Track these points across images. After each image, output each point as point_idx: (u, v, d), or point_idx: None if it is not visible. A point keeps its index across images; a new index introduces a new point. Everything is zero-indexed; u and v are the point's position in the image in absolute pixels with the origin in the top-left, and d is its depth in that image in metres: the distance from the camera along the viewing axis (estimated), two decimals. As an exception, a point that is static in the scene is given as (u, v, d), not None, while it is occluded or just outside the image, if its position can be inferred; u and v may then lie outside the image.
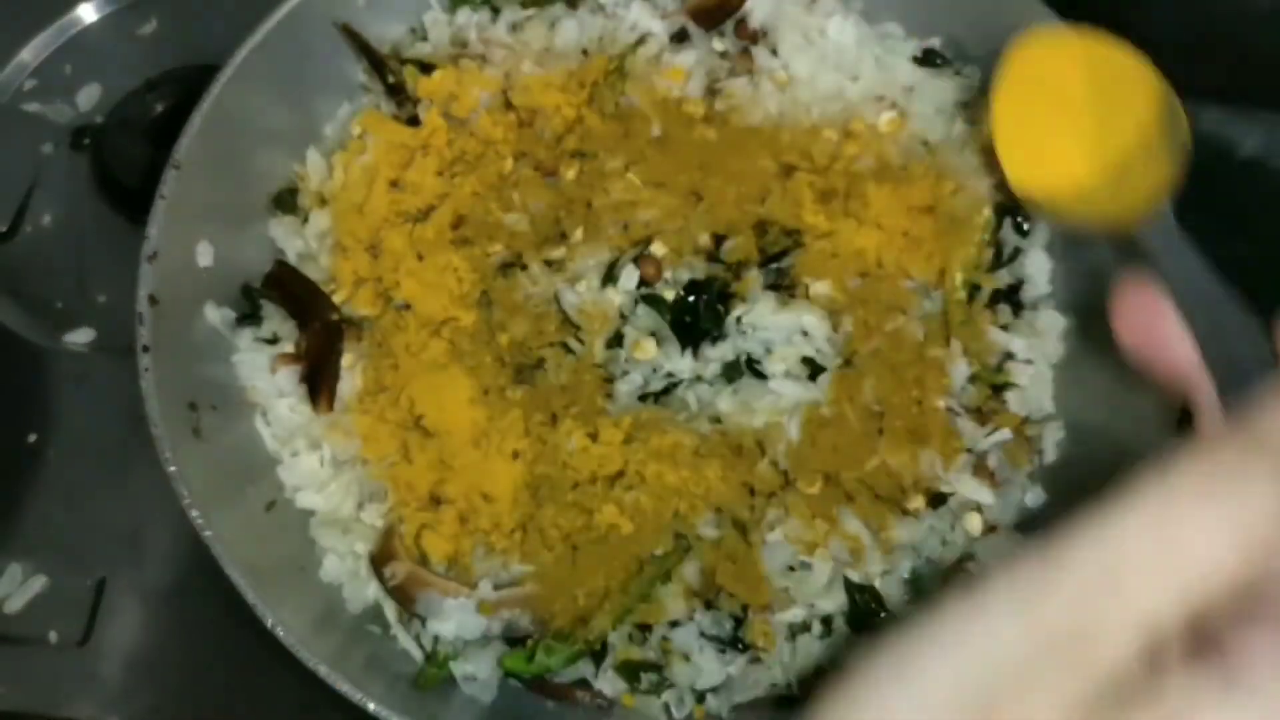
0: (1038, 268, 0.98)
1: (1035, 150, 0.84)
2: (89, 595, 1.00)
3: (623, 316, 0.91)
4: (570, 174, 0.96)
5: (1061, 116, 0.83)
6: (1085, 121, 0.83)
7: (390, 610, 0.88)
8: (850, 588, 0.86)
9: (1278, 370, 0.57)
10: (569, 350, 0.91)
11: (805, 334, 0.91)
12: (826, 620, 0.86)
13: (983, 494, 0.89)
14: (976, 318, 0.94)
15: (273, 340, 0.95)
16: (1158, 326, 0.62)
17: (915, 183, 0.97)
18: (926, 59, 1.06)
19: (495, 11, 1.05)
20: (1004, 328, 0.95)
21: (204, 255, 0.91)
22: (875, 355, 0.90)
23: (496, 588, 0.85)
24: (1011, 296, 0.97)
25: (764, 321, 0.91)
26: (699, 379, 0.91)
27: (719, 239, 0.94)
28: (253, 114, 0.95)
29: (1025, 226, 0.98)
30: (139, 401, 0.82)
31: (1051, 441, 0.93)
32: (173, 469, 0.81)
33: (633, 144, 0.97)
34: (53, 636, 0.99)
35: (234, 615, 0.80)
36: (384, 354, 0.91)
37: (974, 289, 0.95)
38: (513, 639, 0.86)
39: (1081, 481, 0.90)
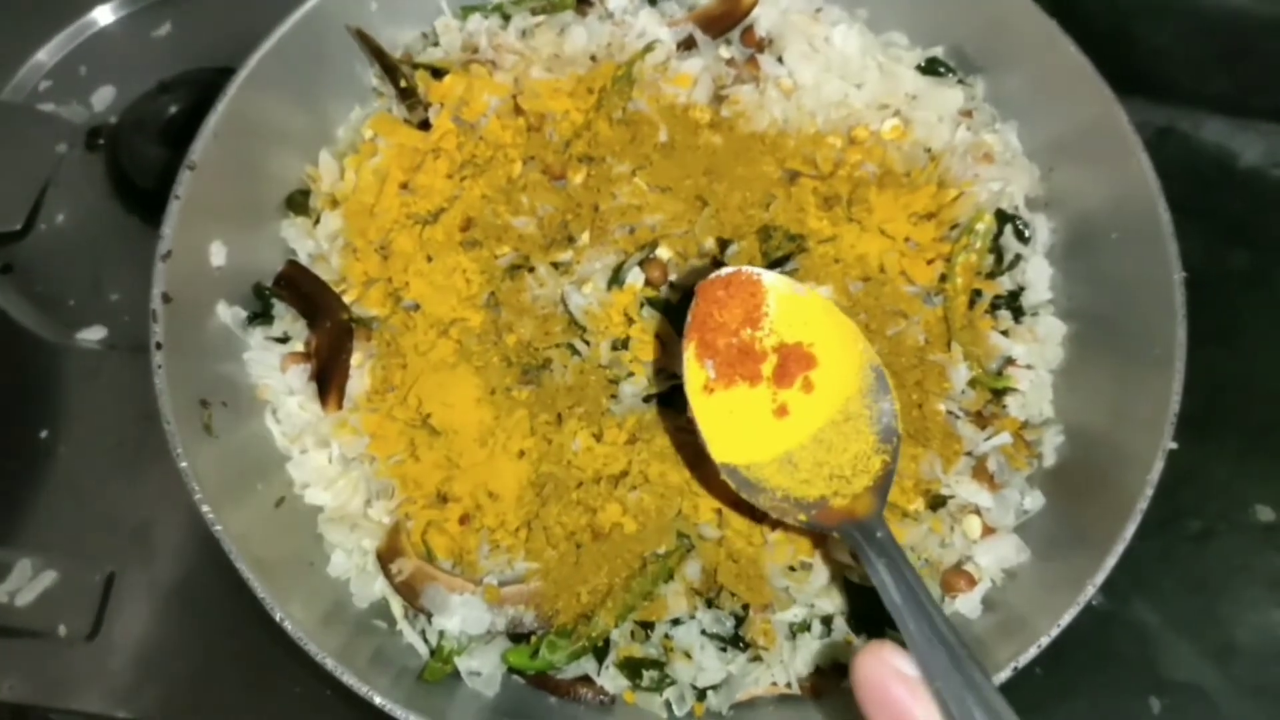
0: (1038, 274, 0.99)
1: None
2: (98, 589, 1.01)
3: (628, 319, 0.92)
4: (578, 178, 0.97)
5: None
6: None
7: (396, 605, 0.89)
8: (850, 588, 0.87)
9: None
10: (575, 351, 0.92)
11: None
12: (826, 620, 0.87)
13: (982, 497, 0.90)
14: (977, 323, 0.95)
15: (283, 339, 0.96)
16: (895, 692, 0.62)
17: (918, 189, 0.99)
18: (930, 68, 1.07)
19: (506, 18, 1.07)
20: (1004, 333, 0.96)
21: (217, 255, 0.93)
22: (877, 359, 0.92)
23: (501, 584, 0.86)
24: (1012, 302, 0.98)
25: (767, 325, 0.92)
26: (702, 381, 0.92)
27: (724, 243, 0.95)
28: (266, 117, 0.96)
29: (1026, 233, 0.99)
30: (149, 398, 0.83)
31: (1051, 445, 0.94)
32: (184, 465, 0.81)
33: (640, 149, 0.98)
34: (62, 630, 1.00)
35: (241, 609, 0.81)
36: (393, 353, 0.93)
37: (975, 294, 0.97)
38: (516, 635, 0.86)
39: (1080, 486, 0.91)
